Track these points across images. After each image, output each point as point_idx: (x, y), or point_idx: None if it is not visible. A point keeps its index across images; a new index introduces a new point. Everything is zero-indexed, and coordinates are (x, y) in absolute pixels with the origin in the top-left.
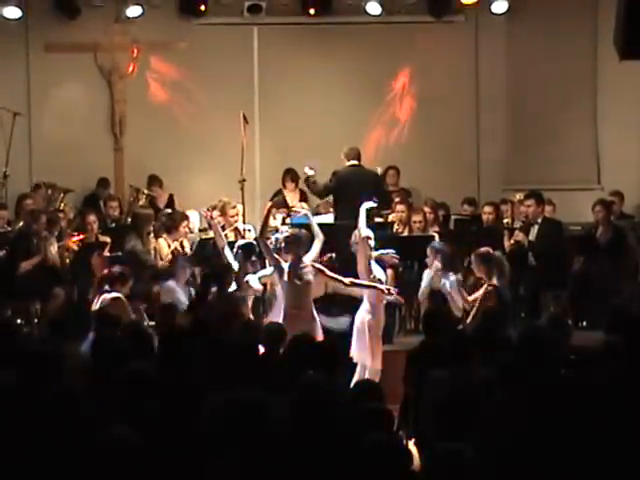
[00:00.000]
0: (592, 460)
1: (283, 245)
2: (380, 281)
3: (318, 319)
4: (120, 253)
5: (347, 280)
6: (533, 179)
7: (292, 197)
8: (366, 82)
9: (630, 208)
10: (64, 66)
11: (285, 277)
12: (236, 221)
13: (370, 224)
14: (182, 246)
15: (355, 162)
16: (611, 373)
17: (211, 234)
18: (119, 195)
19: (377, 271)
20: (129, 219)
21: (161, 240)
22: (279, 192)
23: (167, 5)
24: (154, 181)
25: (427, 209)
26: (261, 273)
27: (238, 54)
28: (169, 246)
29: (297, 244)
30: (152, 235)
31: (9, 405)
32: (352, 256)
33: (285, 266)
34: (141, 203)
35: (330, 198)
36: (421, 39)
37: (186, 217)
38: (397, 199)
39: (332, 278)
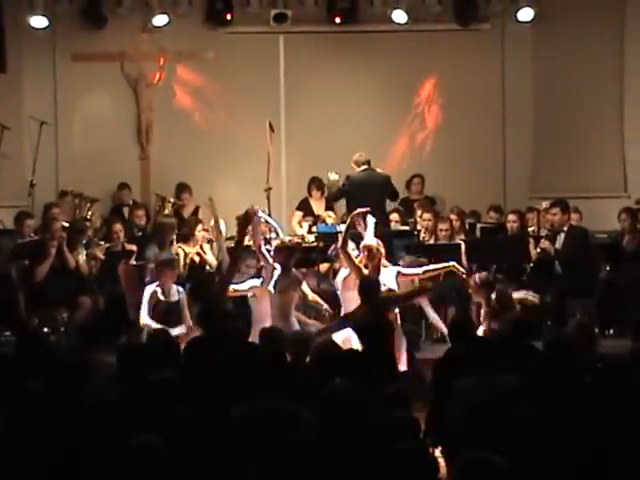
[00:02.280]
0: (618, 468)
1: (272, 253)
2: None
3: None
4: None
5: (310, 296)
6: (559, 187)
7: (318, 205)
8: (392, 90)
9: None
10: (91, 75)
11: (271, 286)
12: (270, 230)
13: (393, 232)
14: (203, 250)
15: (366, 167)
16: (638, 381)
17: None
18: (145, 203)
19: (389, 280)
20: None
21: (179, 250)
22: (305, 200)
23: (194, 14)
24: (184, 189)
25: (454, 217)
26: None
27: (264, 63)
28: (187, 255)
29: (285, 254)
30: (176, 244)
31: (37, 413)
32: None
33: (276, 275)
34: (166, 212)
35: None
36: (447, 47)
37: (199, 221)
38: (421, 208)
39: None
